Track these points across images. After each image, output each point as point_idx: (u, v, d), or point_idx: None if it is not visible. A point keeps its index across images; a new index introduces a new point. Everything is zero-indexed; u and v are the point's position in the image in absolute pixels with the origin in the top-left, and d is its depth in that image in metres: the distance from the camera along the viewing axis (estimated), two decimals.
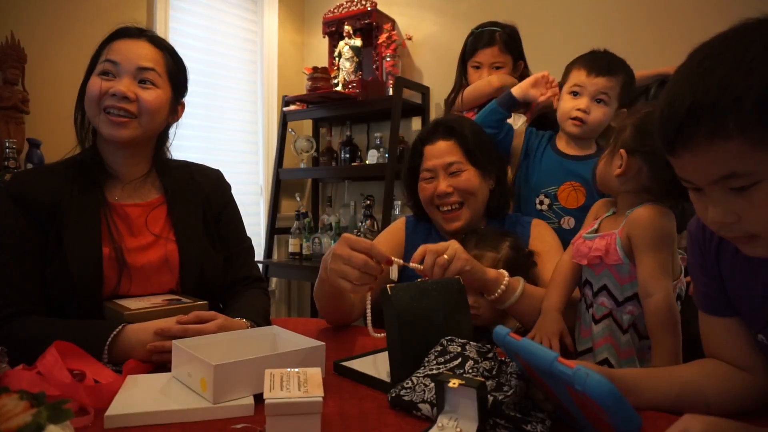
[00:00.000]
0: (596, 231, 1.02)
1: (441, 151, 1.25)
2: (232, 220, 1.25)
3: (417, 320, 0.83)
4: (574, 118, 1.34)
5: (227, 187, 1.28)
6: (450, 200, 1.24)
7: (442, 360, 0.76)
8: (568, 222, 1.38)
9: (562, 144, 1.43)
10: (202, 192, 1.21)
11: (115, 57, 1.06)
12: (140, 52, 1.08)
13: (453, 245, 0.99)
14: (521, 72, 1.83)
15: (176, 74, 1.15)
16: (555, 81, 1.46)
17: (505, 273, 1.06)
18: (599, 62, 1.33)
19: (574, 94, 1.34)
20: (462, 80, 1.86)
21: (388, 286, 0.83)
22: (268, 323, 1.05)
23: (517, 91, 1.48)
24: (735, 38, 0.58)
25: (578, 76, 1.34)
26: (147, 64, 1.08)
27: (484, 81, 1.77)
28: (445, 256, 0.96)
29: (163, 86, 1.11)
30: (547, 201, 1.40)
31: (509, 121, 1.73)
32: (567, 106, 1.36)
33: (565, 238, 1.26)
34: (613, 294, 0.97)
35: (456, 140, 1.25)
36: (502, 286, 1.04)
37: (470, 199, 1.24)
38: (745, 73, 0.54)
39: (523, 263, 1.16)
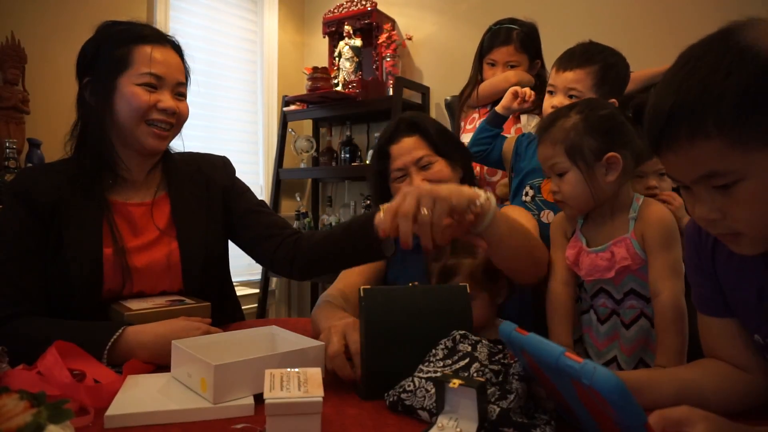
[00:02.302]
0: (588, 244, 1.00)
1: (407, 148, 1.22)
2: (241, 191, 1.26)
3: (389, 327, 0.78)
4: None
5: (232, 170, 1.30)
6: None
7: (450, 361, 0.75)
8: (547, 216, 1.37)
9: None
10: (209, 179, 1.22)
11: (159, 70, 1.06)
12: (176, 64, 1.11)
13: (413, 191, 0.82)
14: (538, 71, 1.83)
15: (189, 79, 1.17)
16: (526, 91, 1.55)
17: (480, 191, 0.90)
18: (568, 57, 1.35)
19: (551, 93, 1.37)
20: (478, 76, 1.86)
21: (361, 287, 0.80)
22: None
23: (500, 109, 1.56)
24: (718, 41, 0.59)
25: (552, 75, 1.37)
26: (182, 79, 1.12)
27: (501, 77, 1.77)
28: (425, 211, 0.80)
29: (186, 95, 1.15)
30: (531, 192, 1.40)
31: (523, 121, 1.74)
32: (545, 105, 1.38)
33: (544, 232, 1.23)
34: (640, 294, 0.96)
35: (420, 135, 1.23)
36: (481, 198, 0.87)
37: None
38: (724, 75, 0.56)
39: None
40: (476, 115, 1.86)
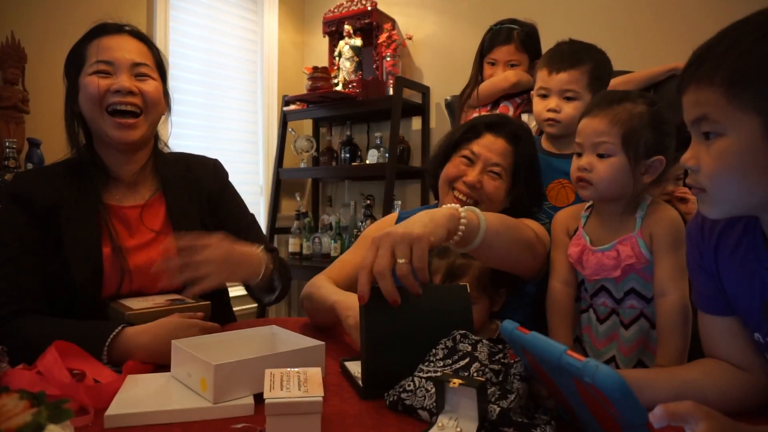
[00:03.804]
0: (591, 242, 0.99)
1: (496, 148, 1.20)
2: (231, 201, 1.26)
3: (390, 327, 0.78)
4: (547, 119, 1.33)
5: (224, 173, 1.30)
6: (469, 193, 1.19)
7: (450, 361, 0.75)
8: None
9: (547, 144, 1.42)
10: (200, 182, 1.22)
11: (107, 56, 1.06)
12: (130, 47, 1.09)
13: (385, 240, 0.76)
14: None
15: (161, 65, 1.16)
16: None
17: (458, 206, 0.88)
18: (558, 58, 1.32)
19: (542, 95, 1.34)
20: (478, 76, 1.87)
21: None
22: (285, 269, 1.10)
23: None
24: None
25: (542, 77, 1.34)
26: (140, 59, 1.09)
27: (500, 76, 1.78)
28: (402, 261, 0.74)
29: (156, 78, 1.13)
30: None
31: (524, 120, 1.74)
32: (538, 108, 1.35)
33: None
34: (641, 294, 0.96)
35: (515, 149, 1.21)
36: (462, 221, 0.84)
37: (487, 203, 1.20)
38: (756, 37, 0.60)
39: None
40: (476, 115, 1.87)
